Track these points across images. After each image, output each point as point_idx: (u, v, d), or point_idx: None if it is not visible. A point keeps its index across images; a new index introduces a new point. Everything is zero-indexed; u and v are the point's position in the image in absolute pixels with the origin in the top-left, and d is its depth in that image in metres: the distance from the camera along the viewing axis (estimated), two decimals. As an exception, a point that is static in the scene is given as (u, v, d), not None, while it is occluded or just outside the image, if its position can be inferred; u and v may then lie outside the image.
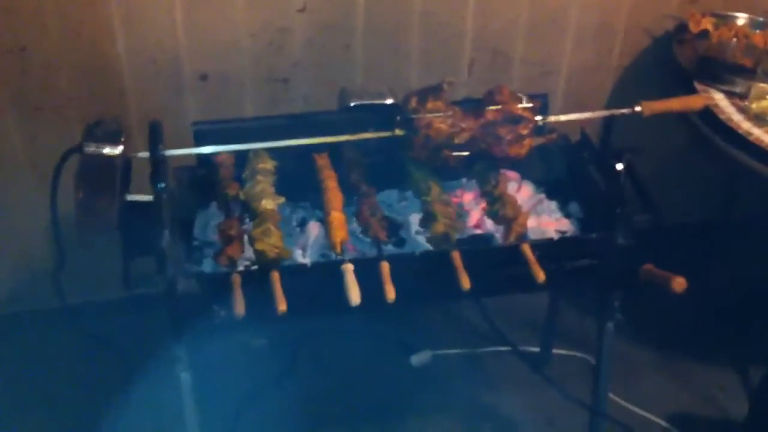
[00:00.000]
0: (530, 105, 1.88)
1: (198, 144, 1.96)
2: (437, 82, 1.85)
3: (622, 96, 2.62)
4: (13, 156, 2.30)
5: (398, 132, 1.84)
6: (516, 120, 1.87)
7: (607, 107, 2.61)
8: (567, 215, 2.07)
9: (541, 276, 1.71)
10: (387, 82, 2.36)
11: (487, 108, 1.86)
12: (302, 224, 1.99)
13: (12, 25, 2.10)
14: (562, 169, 2.15)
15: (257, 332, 2.50)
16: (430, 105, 1.83)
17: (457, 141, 1.85)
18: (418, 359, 2.58)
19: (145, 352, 2.26)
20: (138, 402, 2.27)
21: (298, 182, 1.99)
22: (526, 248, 1.76)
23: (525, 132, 1.87)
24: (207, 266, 1.86)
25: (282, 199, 1.89)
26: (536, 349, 2.62)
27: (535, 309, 2.58)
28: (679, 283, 1.76)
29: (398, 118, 1.86)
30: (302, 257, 1.89)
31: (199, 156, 1.97)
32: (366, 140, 1.93)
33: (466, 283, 1.69)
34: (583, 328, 2.60)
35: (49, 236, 1.80)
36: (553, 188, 2.14)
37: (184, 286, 1.68)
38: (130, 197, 1.70)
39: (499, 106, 1.86)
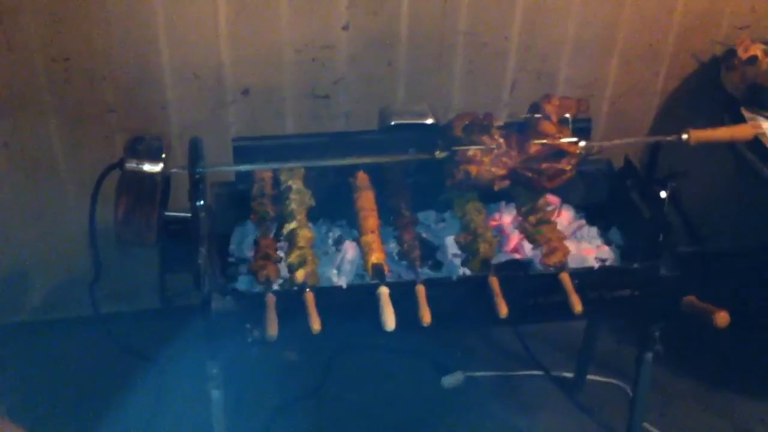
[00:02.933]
0: (575, 139, 1.84)
1: (237, 160, 1.97)
2: (486, 121, 1.82)
3: (666, 120, 2.58)
4: (54, 164, 2.32)
5: (438, 155, 1.82)
6: (559, 154, 1.83)
7: (651, 131, 2.60)
8: (607, 242, 2.03)
9: (578, 307, 1.67)
10: (429, 100, 2.36)
11: (532, 142, 1.82)
12: (338, 243, 1.98)
13: (57, 35, 2.12)
14: (604, 194, 2.12)
15: (289, 346, 2.49)
16: (473, 137, 1.80)
17: (496, 188, 1.83)
18: (449, 381, 2.55)
19: (177, 363, 2.27)
20: (168, 413, 2.27)
21: (336, 200, 1.97)
22: (565, 277, 1.73)
23: (567, 168, 1.83)
24: (241, 283, 1.85)
25: (294, 224, 1.85)
26: (570, 375, 2.57)
27: (570, 333, 2.52)
28: (722, 318, 1.72)
29: (440, 141, 1.84)
30: (336, 277, 1.88)
31: (238, 172, 1.97)
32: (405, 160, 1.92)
33: (503, 310, 1.66)
34: (619, 355, 2.56)
35: (86, 246, 1.81)
36: (593, 213, 2.11)
37: (219, 304, 1.68)
38: (169, 213, 1.70)
39: (544, 141, 1.82)
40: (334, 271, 1.90)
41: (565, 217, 2.09)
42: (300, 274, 1.71)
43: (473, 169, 1.79)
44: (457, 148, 1.78)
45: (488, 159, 1.80)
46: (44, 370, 2.48)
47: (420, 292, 1.68)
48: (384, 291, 1.67)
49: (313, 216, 2.01)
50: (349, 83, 2.35)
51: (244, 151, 1.96)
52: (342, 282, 1.86)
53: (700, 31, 2.46)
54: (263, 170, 1.96)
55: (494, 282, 1.71)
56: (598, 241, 2.03)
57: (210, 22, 2.17)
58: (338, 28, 2.25)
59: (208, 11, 2.16)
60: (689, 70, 2.53)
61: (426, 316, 1.64)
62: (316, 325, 1.59)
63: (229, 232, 1.99)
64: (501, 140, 1.81)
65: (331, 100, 2.36)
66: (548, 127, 1.84)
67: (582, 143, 1.85)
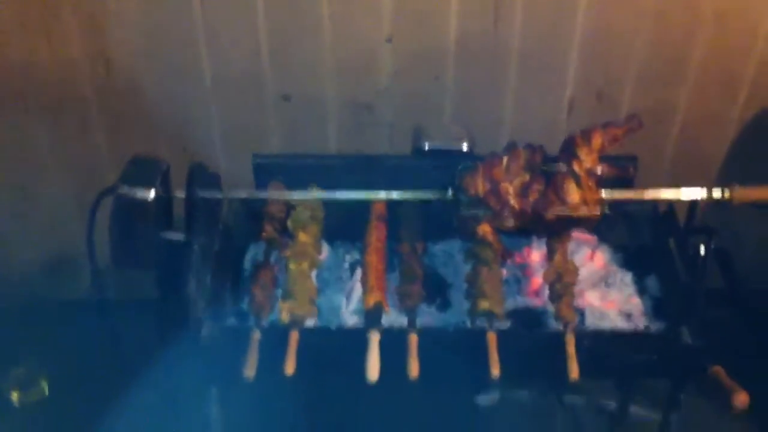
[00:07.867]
0: (596, 213, 1.71)
1: (257, 176, 1.94)
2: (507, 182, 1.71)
3: (742, 152, 2.34)
4: (99, 163, 2.32)
5: (450, 196, 1.72)
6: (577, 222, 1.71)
7: (726, 162, 2.37)
8: (642, 290, 1.89)
9: (574, 374, 1.55)
10: (478, 115, 2.25)
11: (549, 212, 1.71)
12: (353, 267, 1.93)
13: (97, 37, 2.12)
14: (646, 238, 1.96)
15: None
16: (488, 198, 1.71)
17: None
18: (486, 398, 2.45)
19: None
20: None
21: (357, 221, 1.90)
22: (570, 340, 1.61)
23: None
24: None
25: (293, 265, 1.79)
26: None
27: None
28: (741, 401, 1.56)
29: (456, 181, 1.74)
30: (345, 304, 1.83)
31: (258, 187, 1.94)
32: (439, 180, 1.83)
33: (495, 369, 1.56)
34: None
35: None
36: (633, 256, 1.96)
37: (207, 334, 1.66)
38: (166, 235, 1.68)
39: (561, 213, 1.70)
40: (344, 300, 1.85)
41: (598, 261, 1.95)
42: (285, 314, 1.66)
43: (480, 230, 1.70)
44: (462, 213, 1.70)
45: (497, 222, 1.70)
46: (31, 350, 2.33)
47: (412, 341, 1.61)
48: (374, 336, 1.61)
49: (331, 236, 1.97)
50: (393, 95, 2.25)
51: (263, 169, 1.94)
52: (349, 310, 1.82)
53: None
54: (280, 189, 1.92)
55: (492, 338, 1.61)
56: (630, 290, 1.89)
57: (249, 27, 2.12)
58: (382, 39, 2.15)
59: (247, 19, 2.11)
60: (772, 98, 2.28)
61: (414, 369, 1.57)
62: (290, 368, 1.55)
63: (247, 246, 1.97)
64: (515, 205, 1.70)
65: (374, 110, 2.27)
66: (572, 192, 1.69)
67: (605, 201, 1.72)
